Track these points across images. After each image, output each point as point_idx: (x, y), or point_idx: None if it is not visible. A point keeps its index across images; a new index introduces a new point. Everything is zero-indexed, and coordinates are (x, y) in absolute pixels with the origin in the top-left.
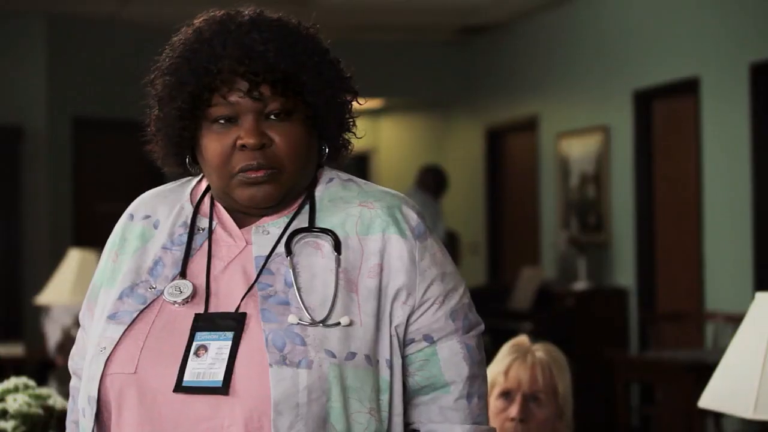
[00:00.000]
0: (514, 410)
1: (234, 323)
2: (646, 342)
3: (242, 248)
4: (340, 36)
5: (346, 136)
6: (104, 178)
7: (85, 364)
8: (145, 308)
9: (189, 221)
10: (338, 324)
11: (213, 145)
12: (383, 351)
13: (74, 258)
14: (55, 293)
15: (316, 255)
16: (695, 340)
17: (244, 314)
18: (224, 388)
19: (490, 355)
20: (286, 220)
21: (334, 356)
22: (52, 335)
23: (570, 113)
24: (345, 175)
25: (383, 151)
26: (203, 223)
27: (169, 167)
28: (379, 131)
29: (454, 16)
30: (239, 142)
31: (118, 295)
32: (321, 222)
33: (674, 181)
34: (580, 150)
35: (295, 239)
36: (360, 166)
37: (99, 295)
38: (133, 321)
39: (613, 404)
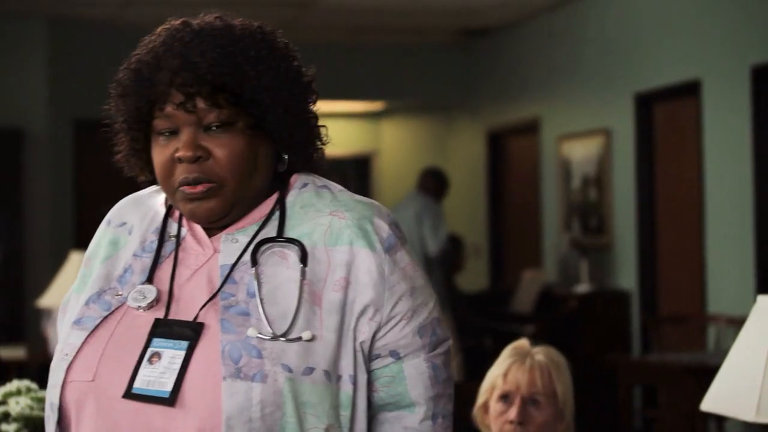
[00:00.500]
0: (512, 413)
1: (191, 333)
2: (648, 345)
3: (210, 256)
4: (341, 38)
5: (314, 141)
6: (106, 181)
7: (50, 371)
8: (109, 315)
9: (160, 228)
10: (299, 339)
11: (157, 157)
12: (346, 366)
13: (76, 260)
14: (56, 296)
15: (282, 265)
16: (697, 343)
17: (202, 324)
18: (171, 400)
19: (491, 358)
20: (255, 228)
21: (290, 371)
22: (54, 338)
23: (571, 116)
24: (321, 181)
25: (385, 154)
26: (174, 229)
27: (138, 176)
28: (380, 133)
29: (456, 18)
30: (176, 155)
31: (84, 301)
32: (290, 230)
33: (676, 183)
34: (581, 152)
35: (262, 248)
36: (361, 169)
37: (70, 301)
38: (96, 327)
39: (616, 407)
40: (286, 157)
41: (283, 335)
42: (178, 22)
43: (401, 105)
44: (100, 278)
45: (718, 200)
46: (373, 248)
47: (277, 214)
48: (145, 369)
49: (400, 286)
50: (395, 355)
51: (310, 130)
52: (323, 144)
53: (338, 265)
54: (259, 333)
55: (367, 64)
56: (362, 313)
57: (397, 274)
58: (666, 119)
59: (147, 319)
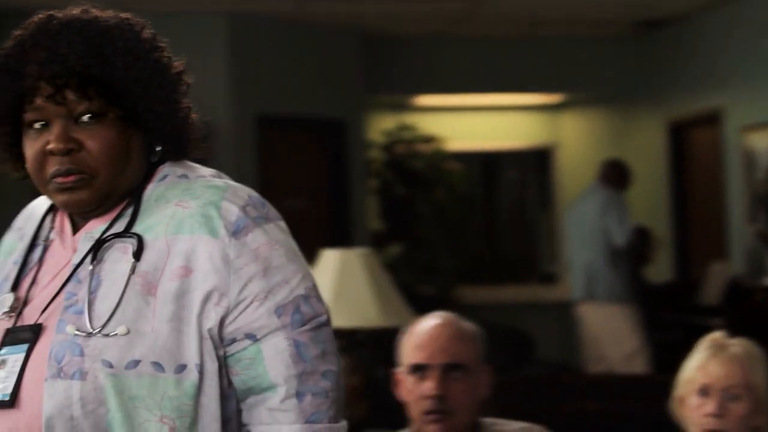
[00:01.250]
0: (710, 406)
1: (31, 335)
2: None
3: (70, 257)
4: (517, 30)
5: (186, 131)
6: (288, 175)
7: None
8: None
9: (33, 233)
10: (115, 334)
11: (29, 150)
12: (191, 355)
13: None
14: None
15: (121, 260)
16: None
17: (40, 326)
18: (11, 402)
19: (681, 351)
20: (108, 224)
21: (111, 366)
22: None
23: (755, 106)
24: (182, 170)
25: (565, 147)
26: (46, 233)
27: (11, 172)
28: (560, 126)
29: (634, 8)
30: (47, 147)
31: None
32: (140, 224)
33: None
34: (766, 143)
35: (107, 244)
36: (541, 161)
37: None
38: None
39: None
40: (158, 147)
41: (101, 330)
42: (44, 15)
43: (580, 97)
44: None
45: None
46: (215, 234)
47: (131, 209)
48: None
49: (249, 268)
50: (252, 337)
51: (181, 120)
52: (195, 134)
53: (177, 254)
54: (77, 330)
55: (543, 56)
56: (206, 299)
57: (246, 256)
58: None
59: (4, 327)
